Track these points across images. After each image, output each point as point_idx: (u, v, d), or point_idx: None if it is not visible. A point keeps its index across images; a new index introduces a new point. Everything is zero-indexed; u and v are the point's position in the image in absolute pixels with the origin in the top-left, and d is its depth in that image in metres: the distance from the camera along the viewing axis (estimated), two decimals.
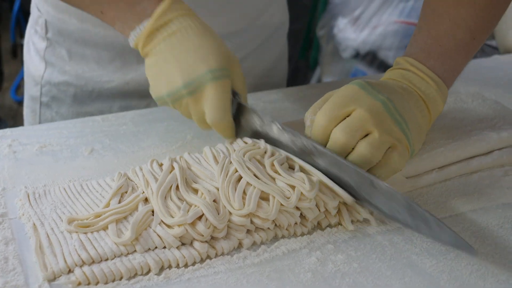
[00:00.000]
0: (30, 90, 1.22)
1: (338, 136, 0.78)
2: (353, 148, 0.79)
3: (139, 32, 0.86)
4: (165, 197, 0.76)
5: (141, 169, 0.81)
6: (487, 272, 0.70)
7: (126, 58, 1.13)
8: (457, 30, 0.88)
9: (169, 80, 0.84)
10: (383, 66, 2.50)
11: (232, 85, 0.85)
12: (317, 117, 0.81)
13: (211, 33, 0.87)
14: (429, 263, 0.71)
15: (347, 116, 0.80)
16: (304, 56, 2.98)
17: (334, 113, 0.80)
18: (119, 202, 0.77)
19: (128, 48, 1.08)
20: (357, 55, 2.61)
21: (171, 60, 0.84)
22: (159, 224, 0.73)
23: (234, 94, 0.86)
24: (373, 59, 2.55)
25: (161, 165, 0.83)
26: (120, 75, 1.15)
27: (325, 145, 0.80)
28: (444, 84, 0.88)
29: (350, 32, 2.63)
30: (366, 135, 0.79)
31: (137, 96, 1.17)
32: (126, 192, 0.79)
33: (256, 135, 0.86)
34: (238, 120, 0.87)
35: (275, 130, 0.83)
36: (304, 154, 0.81)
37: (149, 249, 0.71)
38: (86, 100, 1.18)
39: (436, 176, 0.87)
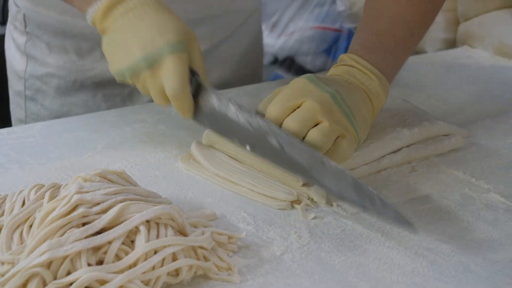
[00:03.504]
0: (14, 86, 1.24)
1: (290, 125, 0.82)
2: (303, 138, 0.82)
3: (96, 8, 0.87)
4: (15, 230, 0.69)
5: (20, 193, 0.75)
6: (393, 265, 0.72)
7: None
8: (396, 27, 0.93)
9: (128, 54, 0.85)
10: (301, 71, 2.53)
11: (190, 61, 0.86)
12: (269, 109, 0.84)
13: (168, 10, 0.88)
14: (337, 260, 0.72)
15: (298, 108, 0.83)
16: None
17: (285, 105, 0.83)
18: None
19: None
20: (275, 61, 2.63)
21: (129, 34, 0.85)
22: None
23: (193, 73, 0.86)
24: (291, 64, 2.58)
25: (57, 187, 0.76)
26: (101, 64, 1.17)
27: None
28: (386, 79, 0.92)
29: (268, 38, 2.65)
30: (316, 125, 0.82)
31: (120, 83, 1.16)
32: None
33: (214, 115, 0.86)
34: (197, 100, 0.87)
35: (232, 111, 0.84)
36: (260, 135, 0.82)
37: None
38: (70, 91, 1.20)
39: None
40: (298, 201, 0.83)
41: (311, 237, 0.77)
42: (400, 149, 0.95)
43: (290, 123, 0.82)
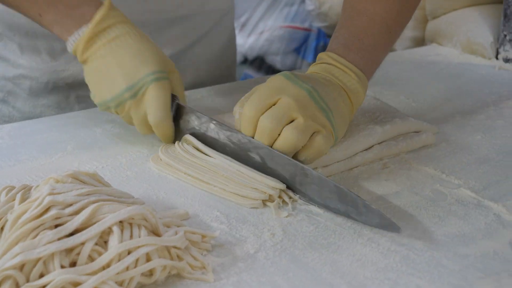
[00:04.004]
0: None
1: (264, 123, 0.83)
2: (279, 134, 0.83)
3: (77, 37, 0.89)
4: None
5: None
6: (367, 261, 0.72)
7: None
8: (374, 26, 0.95)
9: (112, 85, 0.87)
10: (271, 70, 2.54)
11: (171, 89, 0.89)
12: (245, 109, 0.85)
13: (148, 40, 0.91)
14: (311, 257, 0.73)
15: (273, 105, 0.84)
16: None
17: (261, 103, 0.84)
18: None
19: None
20: (245, 61, 2.64)
21: (113, 65, 0.88)
22: None
23: (173, 97, 0.89)
24: (261, 64, 2.59)
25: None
26: (74, 65, 1.17)
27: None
28: (364, 76, 0.94)
29: (237, 38, 2.66)
30: (292, 121, 0.83)
31: None
32: None
33: (194, 136, 0.89)
34: (177, 122, 0.90)
35: (212, 129, 0.87)
36: (241, 151, 0.85)
37: None
38: (42, 93, 1.19)
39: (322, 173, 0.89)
40: (271, 199, 0.83)
41: (285, 235, 0.77)
42: (372, 146, 0.95)
43: (265, 121, 0.83)
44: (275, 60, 2.55)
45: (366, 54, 0.94)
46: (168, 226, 0.74)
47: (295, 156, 0.85)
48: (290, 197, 0.84)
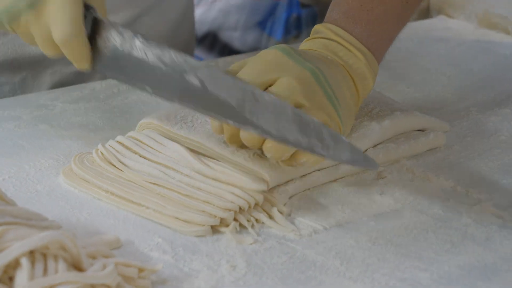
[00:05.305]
0: None
1: None
2: None
3: None
4: None
5: None
6: None
7: None
8: None
9: None
10: (227, 51, 2.54)
11: None
12: None
13: None
14: None
15: (270, 86, 0.85)
16: None
17: (255, 81, 0.85)
18: None
19: None
20: None
21: None
22: None
23: (88, 7, 0.86)
24: (213, 43, 2.59)
25: None
26: None
27: None
28: (374, 57, 0.94)
29: None
30: None
31: (9, 69, 1.19)
32: None
33: (117, 58, 0.88)
34: (94, 40, 0.88)
35: (138, 47, 0.86)
36: (175, 73, 0.84)
37: None
38: None
39: (298, 185, 0.90)
40: (224, 223, 0.83)
41: (249, 267, 0.77)
42: (366, 149, 0.96)
43: None
44: (233, 37, 2.55)
45: (376, 28, 0.95)
46: (94, 258, 0.74)
47: (292, 156, 0.85)
48: (249, 220, 0.84)
